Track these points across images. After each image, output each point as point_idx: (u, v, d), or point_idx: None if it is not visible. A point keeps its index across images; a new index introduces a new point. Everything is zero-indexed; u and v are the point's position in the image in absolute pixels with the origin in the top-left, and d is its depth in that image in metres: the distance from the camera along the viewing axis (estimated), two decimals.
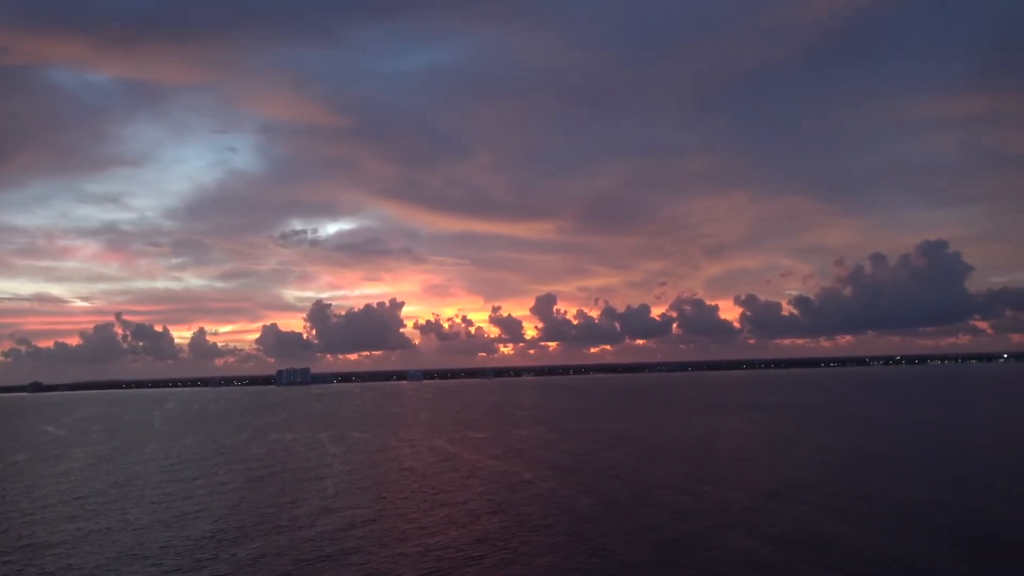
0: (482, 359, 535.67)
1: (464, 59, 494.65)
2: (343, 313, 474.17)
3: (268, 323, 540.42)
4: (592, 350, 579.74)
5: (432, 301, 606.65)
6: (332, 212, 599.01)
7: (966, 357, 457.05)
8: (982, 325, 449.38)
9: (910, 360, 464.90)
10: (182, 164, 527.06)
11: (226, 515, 28.77)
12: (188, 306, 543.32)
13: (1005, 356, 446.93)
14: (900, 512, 25.41)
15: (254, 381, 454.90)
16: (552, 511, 27.60)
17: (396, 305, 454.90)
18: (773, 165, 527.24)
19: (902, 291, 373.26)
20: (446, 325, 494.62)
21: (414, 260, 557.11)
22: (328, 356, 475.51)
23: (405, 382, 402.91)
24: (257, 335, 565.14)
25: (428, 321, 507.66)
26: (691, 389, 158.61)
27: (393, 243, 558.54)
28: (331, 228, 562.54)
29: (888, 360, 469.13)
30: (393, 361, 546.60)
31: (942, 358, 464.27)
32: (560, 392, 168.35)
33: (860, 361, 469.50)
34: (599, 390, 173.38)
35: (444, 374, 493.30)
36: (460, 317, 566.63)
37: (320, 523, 26.72)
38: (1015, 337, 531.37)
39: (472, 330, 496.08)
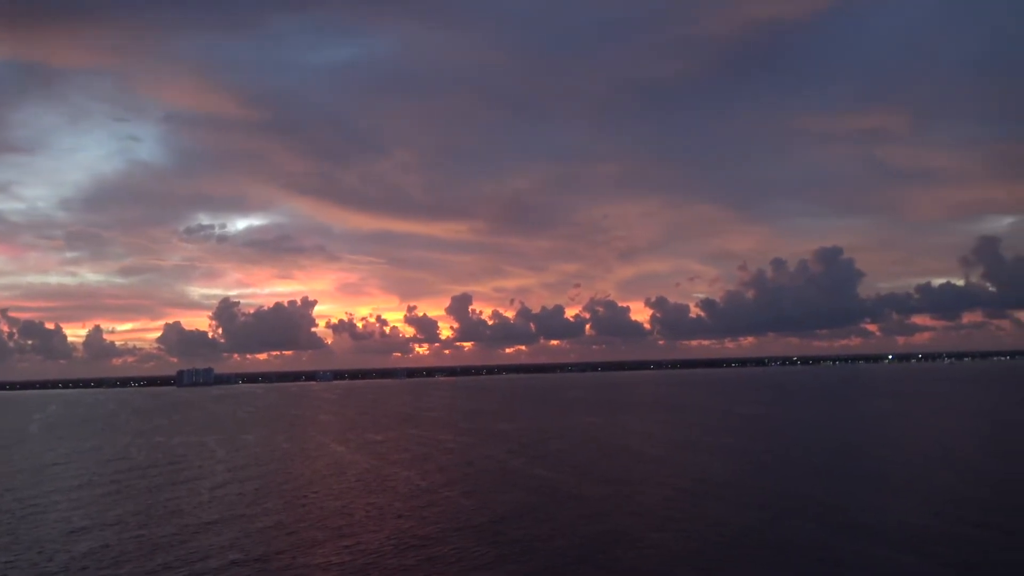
0: (396, 359, 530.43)
1: (383, 55, 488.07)
2: (252, 311, 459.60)
3: (171, 321, 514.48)
4: (507, 350, 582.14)
5: (346, 300, 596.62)
6: (241, 207, 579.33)
7: (856, 358, 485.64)
8: (872, 328, 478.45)
9: (805, 361, 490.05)
10: (79, 152, 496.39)
11: (86, 528, 27.06)
12: (83, 303, 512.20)
13: (890, 357, 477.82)
14: (793, 506, 26.56)
15: (153, 382, 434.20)
16: (438, 518, 27.33)
17: (308, 304, 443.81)
18: (684, 173, 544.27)
19: (800, 295, 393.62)
20: (360, 325, 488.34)
21: (328, 258, 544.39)
22: (235, 356, 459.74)
23: (314, 383, 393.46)
24: (159, 334, 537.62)
25: (341, 320, 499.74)
26: (600, 389, 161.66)
27: (306, 240, 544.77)
28: (240, 223, 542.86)
29: (785, 361, 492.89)
30: (304, 361, 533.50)
31: (834, 359, 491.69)
32: (471, 392, 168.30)
33: (760, 361, 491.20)
34: (510, 390, 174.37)
35: (355, 374, 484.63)
36: (374, 317, 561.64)
37: (186, 534, 25.52)
38: (900, 339, 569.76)
39: (387, 330, 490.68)
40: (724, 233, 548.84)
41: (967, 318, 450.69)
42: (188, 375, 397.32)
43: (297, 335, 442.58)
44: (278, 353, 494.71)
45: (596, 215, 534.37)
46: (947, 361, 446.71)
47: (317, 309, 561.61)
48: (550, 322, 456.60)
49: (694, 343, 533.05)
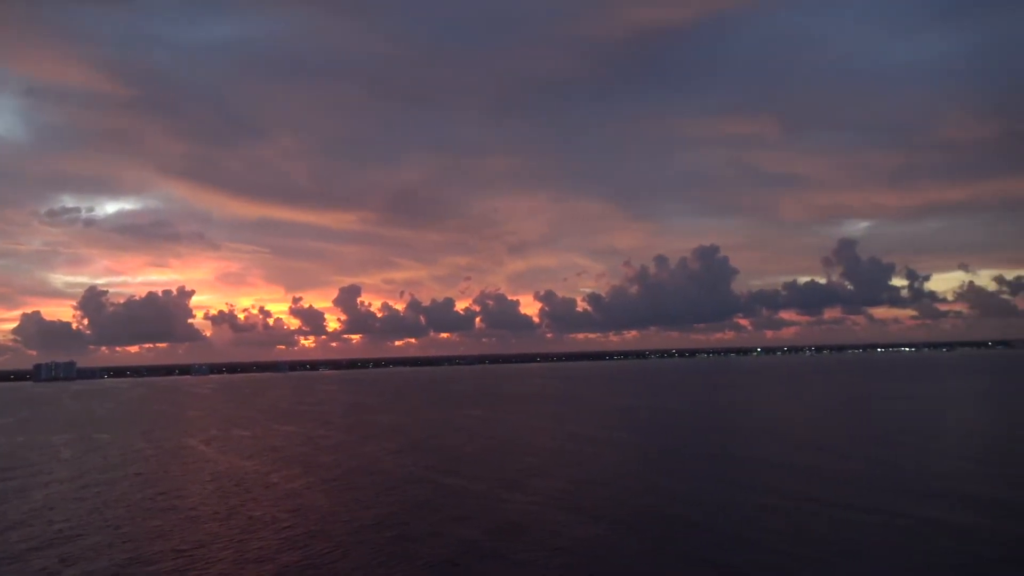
0: (280, 352, 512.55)
1: (269, 36, 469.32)
2: (122, 301, 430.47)
3: (29, 311, 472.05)
4: (396, 343, 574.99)
5: (226, 290, 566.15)
6: (112, 189, 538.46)
7: (728, 351, 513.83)
8: (744, 322, 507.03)
9: (683, 353, 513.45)
10: None
11: None
12: None
13: (759, 350, 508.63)
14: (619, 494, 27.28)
15: (6, 377, 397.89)
16: (298, 521, 26.29)
17: (185, 294, 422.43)
18: (572, 170, 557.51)
19: (680, 291, 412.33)
20: (241, 316, 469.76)
21: (207, 246, 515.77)
22: (103, 349, 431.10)
23: (188, 377, 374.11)
24: (15, 324, 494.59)
25: (221, 311, 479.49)
26: (487, 382, 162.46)
27: (183, 226, 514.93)
28: (110, 207, 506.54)
29: (664, 353, 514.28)
30: (180, 355, 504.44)
31: (709, 352, 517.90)
32: (355, 386, 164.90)
33: (641, 354, 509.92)
34: (397, 383, 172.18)
35: (234, 368, 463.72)
36: (257, 308, 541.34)
37: (4, 550, 23.32)
38: (769, 333, 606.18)
39: (270, 322, 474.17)
40: (610, 230, 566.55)
41: (828, 314, 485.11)
42: (46, 369, 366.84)
43: (172, 327, 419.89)
44: (151, 346, 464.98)
45: (487, 208, 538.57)
46: (808, 353, 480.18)
47: (195, 299, 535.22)
48: (440, 315, 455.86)
49: (580, 336, 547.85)
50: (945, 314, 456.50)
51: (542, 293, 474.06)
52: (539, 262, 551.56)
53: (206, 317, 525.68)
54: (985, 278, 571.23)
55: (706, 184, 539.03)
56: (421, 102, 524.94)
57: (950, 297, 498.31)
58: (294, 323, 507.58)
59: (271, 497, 29.80)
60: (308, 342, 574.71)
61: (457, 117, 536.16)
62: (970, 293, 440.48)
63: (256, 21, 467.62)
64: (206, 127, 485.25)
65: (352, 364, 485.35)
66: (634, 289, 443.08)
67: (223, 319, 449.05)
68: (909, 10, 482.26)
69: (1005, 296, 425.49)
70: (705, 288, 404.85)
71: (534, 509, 25.83)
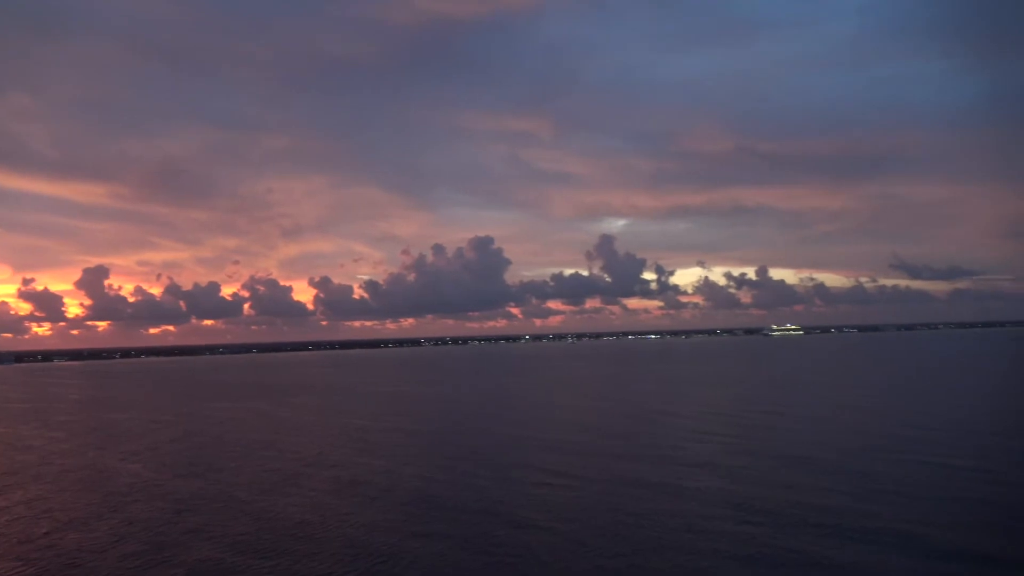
0: (6, 341, 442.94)
1: None
2: None
3: None
4: (152, 331, 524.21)
5: None
6: None
7: (499, 338, 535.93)
8: (515, 311, 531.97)
9: (456, 341, 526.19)
10: None
11: None
12: None
13: (527, 337, 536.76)
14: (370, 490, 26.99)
15: None
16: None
17: None
18: (352, 154, 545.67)
19: (457, 279, 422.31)
20: None
21: None
22: None
23: None
24: None
25: None
26: (250, 372, 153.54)
27: None
28: None
29: (438, 341, 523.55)
30: None
31: (481, 339, 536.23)
32: (96, 379, 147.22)
33: (415, 342, 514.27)
34: (144, 375, 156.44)
35: None
36: None
37: None
38: (537, 322, 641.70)
39: None
40: (389, 217, 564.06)
41: (589, 304, 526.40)
42: None
43: None
44: None
45: (260, 189, 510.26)
46: (570, 340, 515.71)
47: None
48: (204, 300, 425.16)
49: (356, 324, 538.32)
50: (685, 305, 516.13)
51: (317, 279, 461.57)
52: (315, 247, 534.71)
53: None
54: (717, 274, 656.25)
55: (484, 177, 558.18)
56: (194, 70, 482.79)
57: (690, 290, 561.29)
58: (24, 308, 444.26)
59: None
60: (42, 330, 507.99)
61: (233, 90, 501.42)
62: (705, 287, 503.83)
63: None
64: None
65: (96, 354, 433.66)
66: (411, 277, 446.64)
67: None
68: (676, 32, 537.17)
69: (732, 290, 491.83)
70: (480, 277, 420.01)
71: (296, 512, 24.57)
